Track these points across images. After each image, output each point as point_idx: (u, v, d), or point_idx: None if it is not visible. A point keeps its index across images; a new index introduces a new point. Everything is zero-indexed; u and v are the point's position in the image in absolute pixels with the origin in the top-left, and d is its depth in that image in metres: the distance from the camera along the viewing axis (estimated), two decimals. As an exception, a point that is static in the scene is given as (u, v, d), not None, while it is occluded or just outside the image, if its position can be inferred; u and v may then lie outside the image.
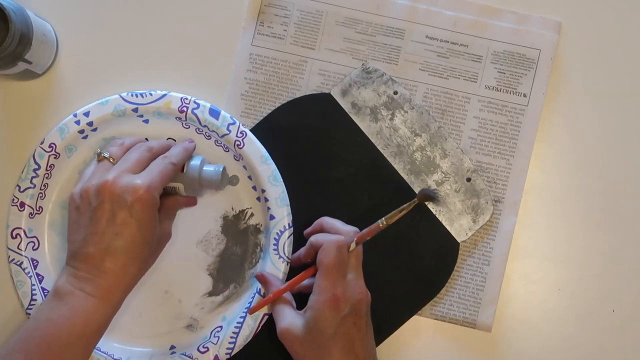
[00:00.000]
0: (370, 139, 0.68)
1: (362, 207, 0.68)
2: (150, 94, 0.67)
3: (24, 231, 0.66)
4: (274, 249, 0.66)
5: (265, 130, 0.68)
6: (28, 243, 0.67)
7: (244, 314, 0.65)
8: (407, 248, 0.68)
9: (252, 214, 0.68)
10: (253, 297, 0.66)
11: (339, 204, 0.68)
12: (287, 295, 0.64)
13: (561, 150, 0.70)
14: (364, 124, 0.69)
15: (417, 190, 0.68)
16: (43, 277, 0.66)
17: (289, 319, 0.61)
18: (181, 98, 0.66)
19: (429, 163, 0.68)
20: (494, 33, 0.69)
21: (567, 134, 0.70)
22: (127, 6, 0.70)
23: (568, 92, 0.70)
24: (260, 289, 0.65)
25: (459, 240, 0.68)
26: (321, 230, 0.64)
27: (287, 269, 0.66)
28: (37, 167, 0.66)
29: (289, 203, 0.66)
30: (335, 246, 0.61)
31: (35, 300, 0.66)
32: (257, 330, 0.65)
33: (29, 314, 0.66)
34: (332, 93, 0.69)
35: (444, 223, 0.68)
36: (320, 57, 0.69)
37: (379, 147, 0.68)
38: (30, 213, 0.67)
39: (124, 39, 0.70)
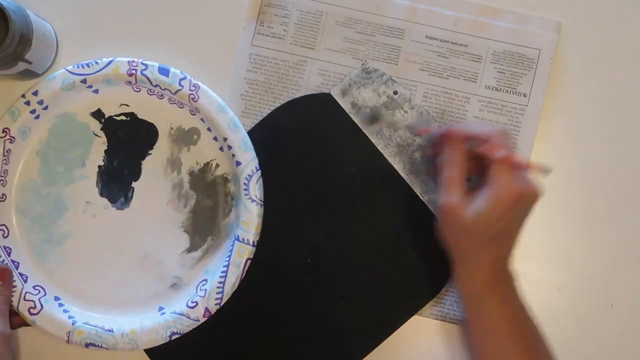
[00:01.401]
0: (370, 138, 0.68)
1: (362, 207, 0.68)
2: (97, 63, 0.67)
3: None
4: (245, 194, 0.66)
5: (265, 130, 0.68)
6: None
7: (226, 263, 0.66)
8: (406, 248, 0.68)
9: (217, 165, 0.68)
10: (233, 245, 0.66)
11: (339, 204, 0.68)
12: (464, 170, 0.62)
13: (561, 150, 0.70)
14: (364, 124, 0.69)
15: (417, 190, 0.68)
16: (19, 263, 0.67)
17: (458, 197, 0.61)
18: (128, 61, 0.66)
19: (429, 163, 0.68)
20: (494, 33, 0.69)
21: (567, 133, 0.70)
22: (127, 7, 0.70)
23: (568, 92, 0.70)
24: (238, 235, 0.66)
25: (459, 240, 0.68)
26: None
27: (261, 211, 0.66)
28: None
29: (252, 147, 0.66)
30: (505, 135, 0.61)
31: (15, 286, 0.66)
32: (242, 276, 0.66)
33: (11, 301, 0.65)
34: (332, 93, 0.69)
35: (444, 223, 0.68)
36: (320, 57, 0.70)
37: (378, 147, 0.68)
38: None
39: (124, 39, 0.70)
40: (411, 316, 0.68)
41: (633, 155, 0.69)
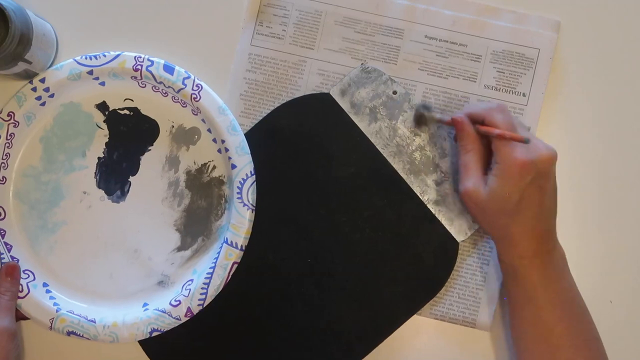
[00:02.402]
0: (370, 138, 0.68)
1: (361, 207, 0.68)
2: (104, 55, 0.67)
3: None
4: (238, 198, 0.66)
5: (264, 131, 0.68)
6: None
7: (213, 265, 0.66)
8: (406, 248, 0.68)
9: (214, 167, 0.68)
10: (221, 248, 0.66)
11: (338, 203, 0.68)
12: (478, 153, 0.63)
13: (560, 149, 0.69)
14: (363, 124, 0.69)
15: (416, 190, 0.68)
16: (12, 246, 0.67)
17: (475, 180, 0.62)
18: (135, 57, 0.67)
19: (428, 163, 0.68)
20: (493, 32, 0.69)
21: (566, 133, 0.70)
22: (126, 7, 0.70)
23: (567, 92, 0.70)
24: (227, 238, 0.66)
25: (458, 240, 0.68)
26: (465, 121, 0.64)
27: (252, 216, 0.66)
28: None
29: (249, 152, 0.67)
30: (501, 109, 0.62)
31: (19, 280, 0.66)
32: (227, 279, 0.66)
33: None
34: (331, 93, 0.69)
35: (443, 223, 0.68)
36: (319, 57, 0.70)
37: (378, 147, 0.68)
38: None
39: (124, 40, 0.70)
40: (411, 316, 0.68)
41: (632, 154, 0.69)
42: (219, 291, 0.66)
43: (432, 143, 0.68)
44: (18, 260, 0.67)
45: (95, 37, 0.70)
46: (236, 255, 0.66)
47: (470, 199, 0.62)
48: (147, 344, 0.68)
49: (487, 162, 0.64)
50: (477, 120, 0.63)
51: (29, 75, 0.67)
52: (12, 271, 0.66)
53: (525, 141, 0.60)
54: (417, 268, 0.68)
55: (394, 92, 0.69)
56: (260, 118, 0.69)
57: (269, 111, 0.69)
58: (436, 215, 0.68)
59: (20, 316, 0.66)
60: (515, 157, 0.60)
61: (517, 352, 0.64)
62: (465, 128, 0.63)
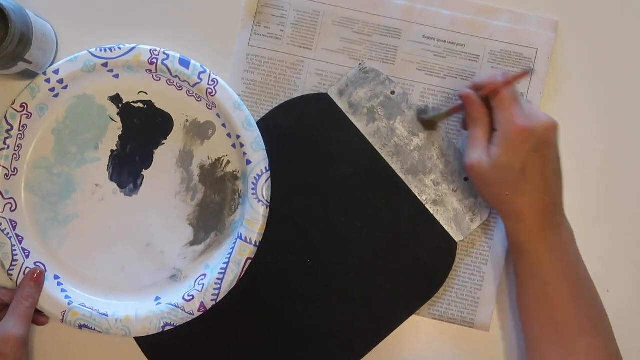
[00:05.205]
0: (368, 139, 0.69)
1: (360, 207, 0.68)
2: (119, 48, 0.67)
3: (1, 193, 0.67)
4: (253, 194, 0.66)
5: (262, 131, 0.68)
6: (5, 204, 0.67)
7: (227, 260, 0.66)
8: (405, 248, 0.68)
9: (228, 161, 0.68)
10: (235, 243, 0.66)
11: (337, 204, 0.68)
12: (485, 125, 0.62)
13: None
14: (361, 124, 0.69)
15: (414, 190, 0.68)
16: (23, 238, 0.67)
17: (480, 152, 0.61)
18: (150, 50, 0.67)
19: (427, 163, 0.68)
20: (491, 32, 0.69)
21: (564, 133, 0.69)
22: (125, 9, 0.71)
23: (565, 91, 0.69)
24: (241, 234, 0.66)
25: (456, 240, 0.67)
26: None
27: (266, 212, 0.66)
28: (9, 127, 0.67)
29: (264, 147, 0.66)
30: (502, 78, 0.61)
31: (17, 260, 0.66)
32: (241, 274, 0.66)
33: (11, 274, 0.66)
34: (329, 93, 0.69)
35: (441, 223, 0.68)
36: (317, 57, 0.70)
37: (376, 147, 0.68)
38: (6, 174, 0.67)
39: (123, 40, 0.70)
40: (409, 316, 0.67)
41: (630, 153, 0.69)
42: (232, 287, 0.66)
43: (430, 143, 0.68)
44: (29, 253, 0.67)
45: (95, 37, 0.70)
46: (250, 251, 0.66)
47: (474, 171, 0.61)
48: (143, 340, 0.68)
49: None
50: (481, 89, 0.63)
51: (29, 75, 0.67)
52: (38, 277, 0.65)
53: (529, 71, 0.61)
54: (415, 268, 0.67)
55: (392, 92, 0.69)
56: (259, 118, 0.69)
57: (267, 111, 0.69)
58: (434, 216, 0.68)
59: (35, 321, 0.67)
60: (514, 122, 0.59)
61: (524, 330, 0.63)
62: (472, 99, 0.62)
